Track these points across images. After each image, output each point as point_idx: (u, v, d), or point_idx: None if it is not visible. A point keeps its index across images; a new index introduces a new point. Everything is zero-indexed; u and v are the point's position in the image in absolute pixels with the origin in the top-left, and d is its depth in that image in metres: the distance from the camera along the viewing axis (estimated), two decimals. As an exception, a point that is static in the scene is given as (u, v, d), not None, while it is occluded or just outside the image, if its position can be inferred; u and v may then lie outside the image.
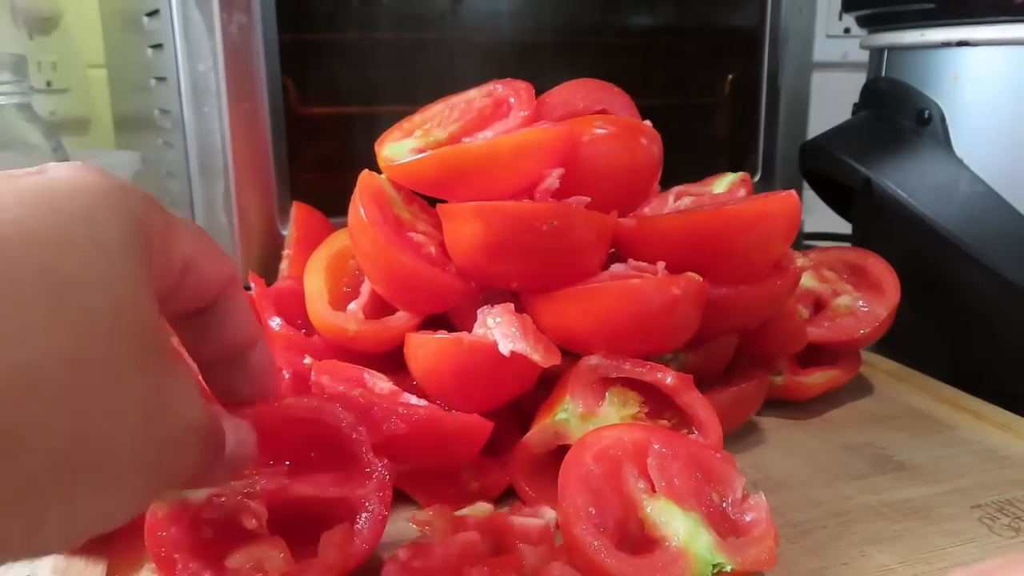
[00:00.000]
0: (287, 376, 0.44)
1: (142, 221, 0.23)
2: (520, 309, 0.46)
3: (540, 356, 0.40)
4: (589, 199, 0.44)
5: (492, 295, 0.46)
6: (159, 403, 0.22)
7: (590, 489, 0.34)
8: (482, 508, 0.39)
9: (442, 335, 0.42)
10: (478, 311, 0.43)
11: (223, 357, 0.29)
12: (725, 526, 0.34)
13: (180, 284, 0.25)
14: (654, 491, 0.34)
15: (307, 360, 0.45)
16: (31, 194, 0.21)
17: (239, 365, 0.29)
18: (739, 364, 0.52)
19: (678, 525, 0.33)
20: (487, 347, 0.40)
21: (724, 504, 0.35)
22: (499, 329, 0.40)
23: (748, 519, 0.35)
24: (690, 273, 0.43)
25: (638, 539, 0.34)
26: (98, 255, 0.21)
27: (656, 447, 0.36)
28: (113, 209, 0.22)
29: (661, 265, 0.44)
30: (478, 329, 0.42)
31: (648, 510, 0.34)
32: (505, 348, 0.39)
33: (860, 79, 0.70)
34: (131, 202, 0.23)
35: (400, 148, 0.47)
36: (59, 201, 0.21)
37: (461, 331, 0.44)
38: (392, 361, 0.46)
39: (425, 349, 0.43)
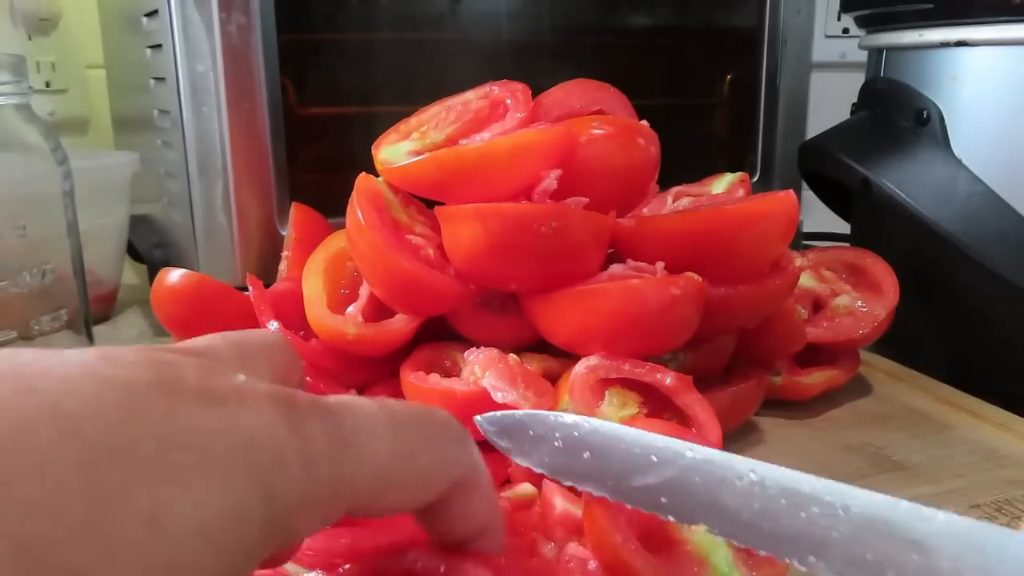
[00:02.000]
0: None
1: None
2: (519, 310, 0.46)
3: (532, 405, 0.40)
4: (587, 200, 0.44)
5: (491, 297, 0.46)
6: None
7: None
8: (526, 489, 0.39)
9: (435, 382, 0.43)
10: (464, 353, 0.43)
11: (452, 541, 0.26)
12: None
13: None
14: None
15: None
16: None
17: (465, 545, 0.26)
18: (738, 364, 0.52)
19: (700, 533, 0.33)
20: (479, 395, 0.40)
21: None
22: (489, 380, 0.40)
23: None
24: (689, 273, 0.43)
25: (655, 536, 0.34)
26: None
27: None
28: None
29: (660, 265, 0.44)
30: (467, 375, 0.42)
31: None
32: (498, 398, 0.40)
33: (859, 79, 0.70)
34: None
35: (397, 151, 0.47)
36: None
37: (460, 341, 0.44)
38: (390, 364, 0.46)
39: (423, 397, 0.43)
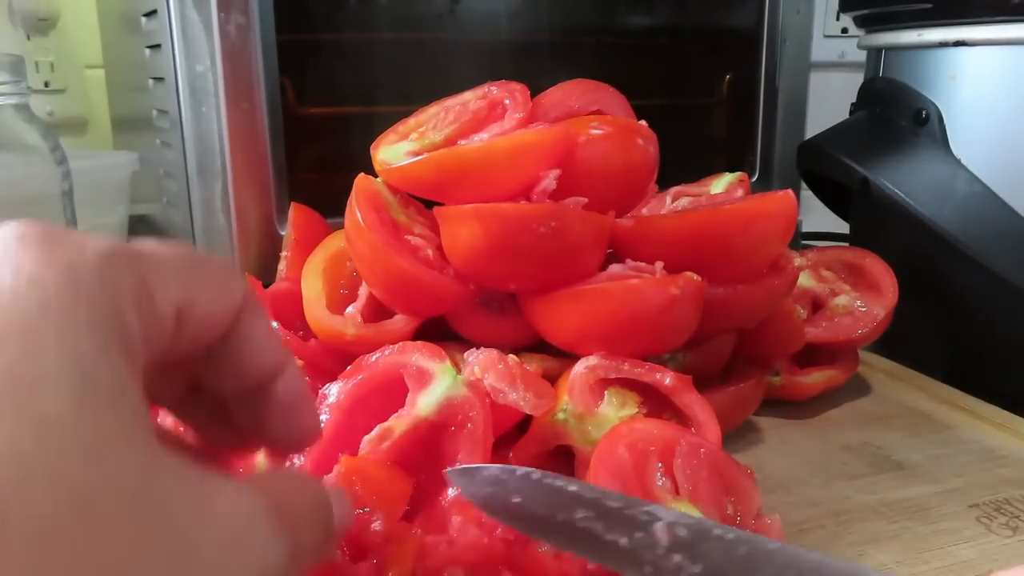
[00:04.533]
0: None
1: (107, 299, 0.19)
2: (519, 311, 0.46)
3: (531, 406, 0.40)
4: (586, 200, 0.44)
5: (490, 297, 0.46)
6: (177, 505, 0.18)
7: (619, 479, 0.34)
8: None
9: None
10: (464, 354, 0.43)
11: (246, 389, 0.26)
12: None
13: (178, 333, 0.22)
14: (677, 492, 0.35)
15: (297, 363, 0.45)
16: None
17: (266, 398, 0.26)
18: (737, 364, 0.52)
19: None
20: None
21: (738, 518, 0.36)
22: (489, 381, 0.40)
23: None
24: (688, 273, 0.43)
25: None
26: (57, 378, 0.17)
27: (685, 449, 0.36)
28: (66, 308, 0.19)
29: (659, 265, 0.44)
30: (467, 375, 0.42)
31: None
32: (498, 399, 0.40)
33: (858, 79, 0.70)
34: (86, 285, 0.19)
35: (396, 151, 0.47)
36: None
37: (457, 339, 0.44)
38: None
39: None
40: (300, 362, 0.27)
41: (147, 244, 0.22)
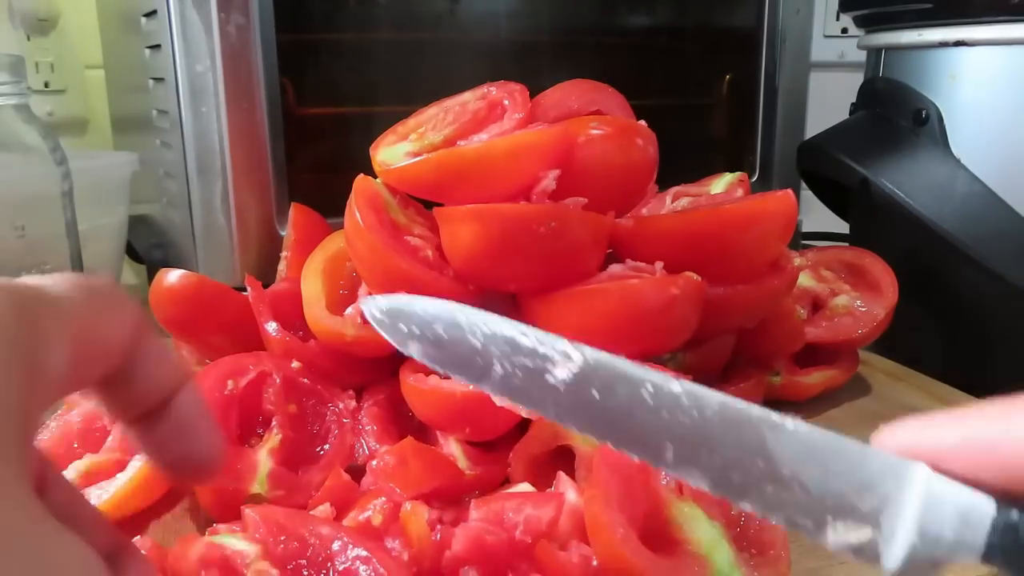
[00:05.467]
0: (278, 381, 0.44)
1: None
2: (518, 311, 0.46)
3: (529, 411, 0.40)
4: (586, 200, 0.44)
5: (490, 298, 0.46)
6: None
7: (621, 477, 0.34)
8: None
9: (435, 384, 0.43)
10: None
11: (144, 412, 0.25)
12: (742, 541, 0.34)
13: (74, 367, 0.21)
14: (681, 492, 0.35)
15: (295, 364, 0.45)
16: None
17: (164, 418, 0.25)
18: (737, 364, 0.52)
19: (702, 532, 0.33)
20: (479, 397, 0.40)
21: (743, 519, 0.36)
22: None
23: (763, 538, 0.35)
24: (688, 273, 0.43)
25: (657, 536, 0.34)
26: None
27: None
28: None
29: (659, 265, 0.44)
30: None
31: (674, 511, 0.34)
32: (496, 400, 0.40)
33: (857, 79, 0.70)
34: None
35: (395, 152, 0.47)
36: None
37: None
38: (389, 365, 0.46)
39: (422, 398, 0.43)
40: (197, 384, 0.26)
41: (37, 281, 0.21)
